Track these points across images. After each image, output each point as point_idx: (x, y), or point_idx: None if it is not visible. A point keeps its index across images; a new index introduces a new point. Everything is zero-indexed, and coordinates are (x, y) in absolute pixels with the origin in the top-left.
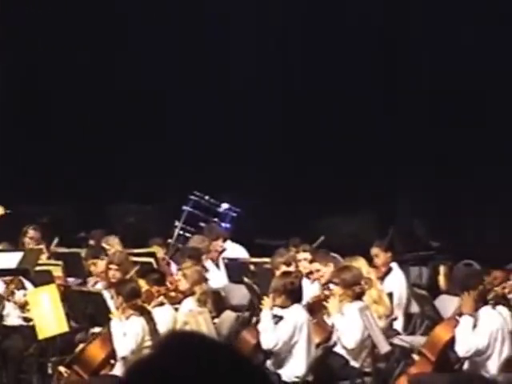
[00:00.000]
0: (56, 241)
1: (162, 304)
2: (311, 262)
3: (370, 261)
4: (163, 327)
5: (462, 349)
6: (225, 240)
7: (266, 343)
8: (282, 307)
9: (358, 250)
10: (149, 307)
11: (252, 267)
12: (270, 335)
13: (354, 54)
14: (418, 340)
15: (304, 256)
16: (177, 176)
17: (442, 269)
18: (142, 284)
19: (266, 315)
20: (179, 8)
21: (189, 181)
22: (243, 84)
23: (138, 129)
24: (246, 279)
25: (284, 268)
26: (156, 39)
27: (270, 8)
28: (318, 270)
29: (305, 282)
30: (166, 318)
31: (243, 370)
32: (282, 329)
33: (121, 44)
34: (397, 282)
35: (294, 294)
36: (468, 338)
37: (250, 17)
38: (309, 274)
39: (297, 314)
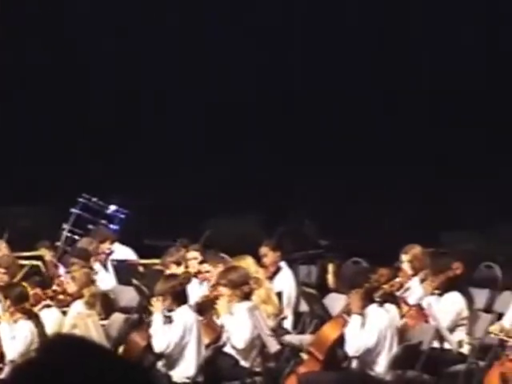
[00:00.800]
0: None
1: (48, 306)
2: (201, 262)
3: (259, 260)
4: (50, 330)
5: (352, 348)
6: (113, 242)
7: (158, 346)
8: (171, 309)
9: (246, 249)
10: (36, 310)
11: (141, 268)
12: (160, 338)
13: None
14: (308, 339)
15: (193, 256)
16: (65, 178)
17: (330, 267)
18: (29, 287)
19: (156, 318)
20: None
21: (77, 183)
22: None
23: (27, 129)
24: (134, 281)
25: (174, 267)
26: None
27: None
28: (207, 271)
29: (194, 282)
30: (52, 321)
31: (120, 375)
32: (172, 331)
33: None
34: (286, 281)
35: (180, 296)
36: (357, 337)
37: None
38: (198, 274)
39: (186, 315)
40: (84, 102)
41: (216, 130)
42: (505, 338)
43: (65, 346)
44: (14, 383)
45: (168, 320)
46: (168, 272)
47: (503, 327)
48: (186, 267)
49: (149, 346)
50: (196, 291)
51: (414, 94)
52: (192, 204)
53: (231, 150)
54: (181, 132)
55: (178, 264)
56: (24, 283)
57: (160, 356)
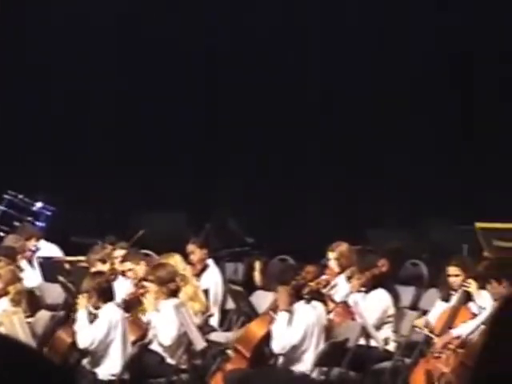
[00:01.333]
0: None
1: None
2: (123, 261)
3: (186, 258)
4: None
5: (278, 345)
6: (39, 239)
7: (82, 342)
8: (96, 307)
9: (173, 247)
10: None
11: (67, 266)
12: (85, 334)
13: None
14: (234, 336)
15: (120, 253)
16: None
17: (257, 264)
18: None
19: (81, 314)
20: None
21: (2, 180)
22: None
23: None
24: (60, 278)
25: (100, 265)
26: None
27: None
28: (129, 270)
29: (121, 280)
30: None
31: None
32: (97, 328)
33: None
34: (212, 278)
35: (106, 293)
36: (283, 335)
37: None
38: (124, 272)
39: (111, 313)
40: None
41: (143, 128)
42: (429, 334)
43: None
44: None
45: (93, 317)
46: (94, 269)
47: (428, 322)
48: (112, 265)
49: (74, 343)
50: (122, 288)
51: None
52: (119, 201)
53: (157, 147)
54: (104, 130)
55: (104, 261)
56: None
57: (85, 353)
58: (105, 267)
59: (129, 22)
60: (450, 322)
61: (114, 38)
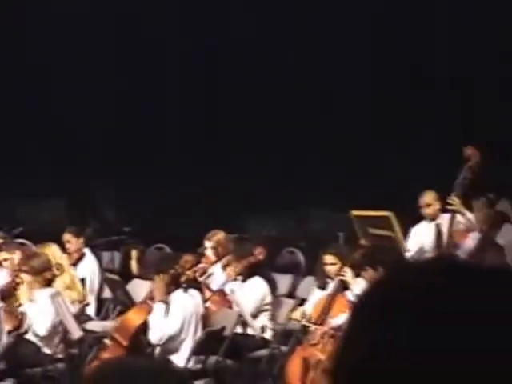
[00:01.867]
0: None
1: None
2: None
3: (63, 247)
4: None
5: (155, 335)
6: None
7: None
8: None
9: (51, 236)
10: None
11: None
12: None
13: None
14: (111, 325)
15: None
16: None
17: (133, 253)
18: None
19: None
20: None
21: None
22: None
23: None
24: None
25: None
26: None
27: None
28: (5, 260)
29: None
30: None
31: None
32: None
33: None
34: (89, 267)
35: None
36: (161, 325)
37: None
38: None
39: None
40: None
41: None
42: (306, 324)
43: None
44: None
45: None
46: None
47: (304, 313)
48: None
49: None
50: None
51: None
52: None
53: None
54: None
55: None
56: None
57: None
58: None
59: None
60: (326, 310)
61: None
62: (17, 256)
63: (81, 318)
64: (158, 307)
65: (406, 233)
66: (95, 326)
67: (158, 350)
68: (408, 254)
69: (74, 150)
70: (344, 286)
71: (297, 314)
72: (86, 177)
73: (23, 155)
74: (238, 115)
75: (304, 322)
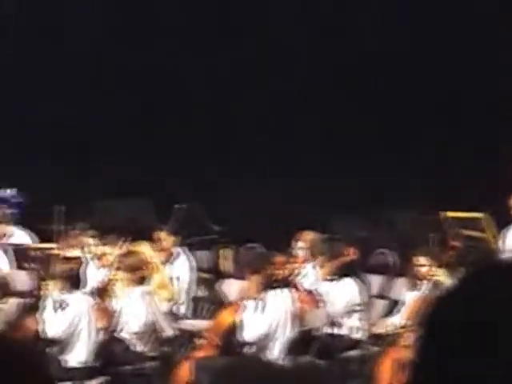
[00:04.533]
0: None
1: None
2: (99, 246)
3: (155, 245)
4: None
5: (248, 334)
6: (9, 225)
7: (49, 332)
8: (64, 293)
9: (139, 233)
10: None
11: (36, 252)
12: (52, 324)
13: None
14: (203, 324)
15: (90, 240)
16: None
17: (225, 252)
18: None
19: (48, 303)
20: None
21: None
22: None
23: None
24: (29, 265)
25: (70, 251)
26: None
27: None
28: (105, 254)
29: (91, 267)
30: None
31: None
32: (64, 317)
33: None
34: (182, 266)
35: (74, 280)
36: (253, 324)
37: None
38: (95, 259)
39: (79, 301)
40: None
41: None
42: (401, 331)
43: None
44: None
45: (61, 304)
46: (63, 256)
47: (394, 324)
48: (82, 251)
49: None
50: (94, 275)
51: None
52: (83, 186)
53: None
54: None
55: (75, 248)
56: None
57: (52, 341)
58: (75, 254)
59: None
60: (419, 311)
61: None
62: (114, 252)
63: (173, 316)
64: (251, 306)
65: (498, 235)
66: (187, 324)
67: (250, 349)
68: (503, 255)
69: (163, 149)
70: (436, 287)
71: (389, 326)
72: (175, 175)
73: (114, 156)
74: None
75: (399, 330)
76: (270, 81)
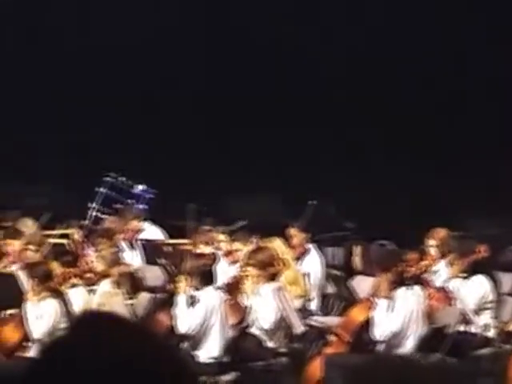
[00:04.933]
0: None
1: (75, 285)
2: (232, 241)
3: (286, 241)
4: (77, 309)
5: (379, 332)
6: (141, 221)
7: (181, 328)
8: (196, 289)
9: (270, 229)
10: (63, 289)
11: (168, 248)
12: (184, 320)
13: None
14: (333, 320)
15: (221, 237)
16: (91, 157)
17: (356, 249)
18: (56, 266)
19: (180, 299)
20: None
21: (104, 162)
22: None
23: (54, 109)
24: (161, 260)
25: (202, 247)
26: None
27: None
28: (237, 250)
29: (222, 263)
30: (80, 299)
31: (158, 352)
32: (196, 312)
33: None
34: (313, 262)
35: (207, 276)
36: (384, 321)
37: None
38: (226, 255)
39: (211, 297)
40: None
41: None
42: None
43: (96, 322)
44: (47, 363)
45: (193, 300)
46: (195, 252)
47: None
48: (214, 248)
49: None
50: (224, 272)
51: None
52: (217, 183)
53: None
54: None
55: (206, 244)
56: (52, 262)
57: (185, 337)
58: (207, 250)
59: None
60: None
61: None
62: (247, 249)
63: (304, 313)
64: (382, 303)
65: None
66: (318, 321)
67: (380, 346)
68: None
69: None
70: None
71: None
72: (306, 172)
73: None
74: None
75: None
76: None
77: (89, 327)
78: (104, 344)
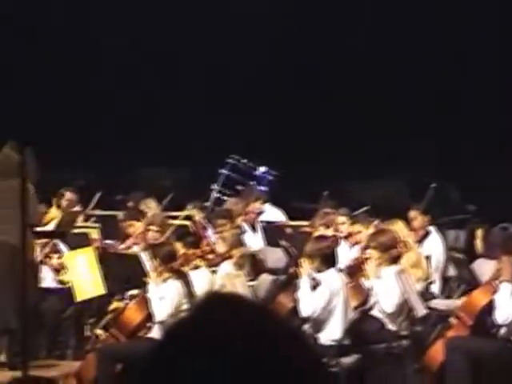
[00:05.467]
0: (93, 203)
1: (197, 267)
2: (352, 224)
3: (408, 223)
4: (200, 290)
5: (501, 316)
6: (263, 203)
7: (304, 311)
8: (318, 271)
9: (392, 212)
10: (185, 270)
11: (289, 230)
12: (307, 303)
13: None
14: (455, 304)
15: (342, 220)
16: (213, 139)
17: (478, 232)
18: (179, 247)
19: (303, 282)
20: None
21: (226, 144)
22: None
23: (169, 95)
24: (282, 242)
25: (323, 230)
26: None
27: None
28: (359, 232)
29: (343, 246)
30: (202, 280)
31: (284, 332)
32: (319, 295)
33: None
34: (434, 245)
35: (329, 259)
36: (506, 305)
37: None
38: (347, 237)
39: (333, 279)
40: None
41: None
42: None
43: (222, 303)
44: (173, 344)
45: (315, 282)
46: (317, 234)
47: None
48: (335, 230)
49: (296, 308)
50: (345, 254)
51: None
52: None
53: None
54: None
55: (327, 226)
56: (176, 243)
57: (307, 319)
58: (328, 232)
59: None
60: None
61: None
62: (368, 231)
63: (425, 295)
64: (505, 287)
65: None
66: (439, 304)
67: (502, 330)
68: None
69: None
70: None
71: None
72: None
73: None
74: None
75: None
76: None
77: (214, 308)
78: (232, 325)
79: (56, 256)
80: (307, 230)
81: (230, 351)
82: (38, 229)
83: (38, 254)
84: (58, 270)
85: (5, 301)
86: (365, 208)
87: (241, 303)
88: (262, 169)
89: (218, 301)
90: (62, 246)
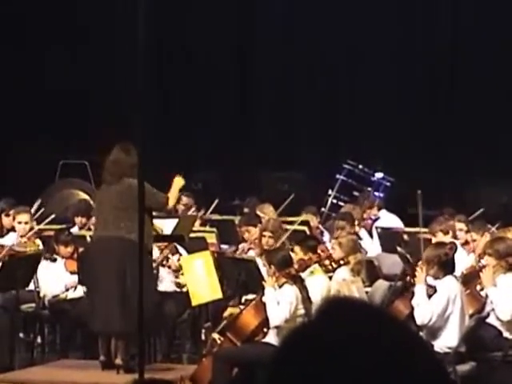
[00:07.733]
0: (211, 208)
1: (313, 272)
2: (467, 231)
3: None
4: (316, 296)
5: None
6: (379, 209)
7: (421, 318)
8: (435, 278)
9: (509, 219)
10: (302, 275)
11: (406, 236)
12: (423, 310)
13: None
14: None
15: (460, 226)
16: (330, 144)
17: None
18: (297, 251)
19: (419, 289)
20: None
21: (342, 149)
22: None
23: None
24: (399, 248)
25: (441, 236)
26: None
27: None
28: (474, 240)
29: (460, 253)
30: (319, 286)
31: (406, 340)
32: (435, 302)
33: None
34: None
35: (447, 265)
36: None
37: None
38: (464, 245)
39: (450, 286)
40: None
41: None
42: None
43: (341, 309)
44: (293, 350)
45: (431, 290)
46: (435, 240)
47: None
48: (454, 237)
49: (411, 315)
50: (462, 261)
51: None
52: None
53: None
54: None
55: (446, 233)
56: (293, 248)
57: (422, 326)
58: (446, 238)
59: None
60: None
61: None
62: (483, 239)
63: None
64: None
65: None
66: None
67: None
68: None
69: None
70: None
71: None
72: None
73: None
74: None
75: None
76: None
77: (335, 314)
78: (355, 333)
79: (175, 258)
80: (424, 236)
81: (352, 357)
82: (156, 234)
83: (158, 256)
84: (176, 272)
85: (112, 304)
86: (479, 211)
87: (364, 309)
88: (379, 175)
89: (338, 308)
90: (181, 249)
